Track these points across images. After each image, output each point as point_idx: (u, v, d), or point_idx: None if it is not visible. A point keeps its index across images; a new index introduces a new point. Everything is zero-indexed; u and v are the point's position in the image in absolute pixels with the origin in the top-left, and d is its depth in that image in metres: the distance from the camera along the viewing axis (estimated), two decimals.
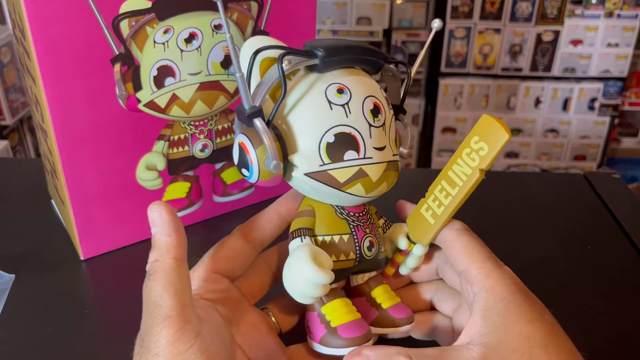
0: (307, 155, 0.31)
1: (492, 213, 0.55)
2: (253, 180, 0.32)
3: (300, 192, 0.34)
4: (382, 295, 0.35)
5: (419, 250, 0.35)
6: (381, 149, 0.33)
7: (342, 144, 0.31)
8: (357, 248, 0.33)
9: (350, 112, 0.31)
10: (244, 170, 0.32)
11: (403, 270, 0.37)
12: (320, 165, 0.31)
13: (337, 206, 0.34)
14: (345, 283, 0.36)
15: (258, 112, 0.31)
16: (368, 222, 0.35)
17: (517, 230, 0.53)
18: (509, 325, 0.29)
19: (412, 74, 0.36)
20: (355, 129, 0.31)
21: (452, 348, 0.29)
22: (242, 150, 0.32)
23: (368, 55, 0.34)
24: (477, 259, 0.32)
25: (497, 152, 0.31)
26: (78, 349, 0.39)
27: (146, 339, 0.27)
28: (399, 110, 0.37)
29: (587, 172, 0.61)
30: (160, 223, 0.30)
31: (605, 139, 2.05)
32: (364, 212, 0.35)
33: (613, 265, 0.48)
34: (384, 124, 0.33)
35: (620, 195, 0.57)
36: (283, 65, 0.30)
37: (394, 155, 0.34)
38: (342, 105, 0.31)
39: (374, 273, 0.36)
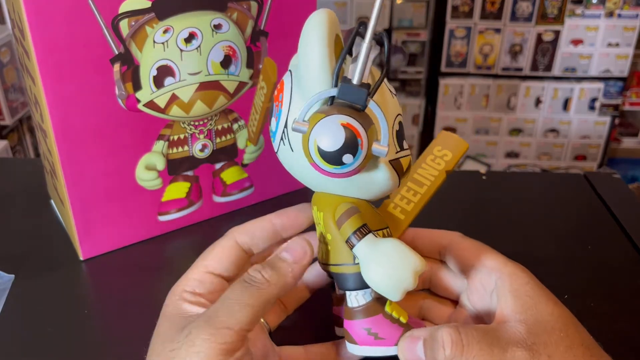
0: (388, 143, 0.29)
1: (492, 213, 0.55)
2: (351, 168, 0.28)
3: (339, 190, 0.31)
4: (396, 309, 0.32)
5: None
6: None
7: (402, 132, 0.32)
8: None
9: (397, 103, 0.32)
10: (347, 157, 0.27)
11: None
12: (396, 152, 0.31)
13: (368, 201, 0.32)
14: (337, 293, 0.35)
15: (369, 89, 0.28)
16: None
17: (517, 230, 0.53)
18: (540, 305, 0.30)
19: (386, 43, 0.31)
20: (402, 118, 0.32)
21: (495, 326, 0.30)
22: (352, 132, 0.27)
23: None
24: (489, 253, 0.33)
25: (459, 157, 0.37)
26: (78, 349, 0.39)
27: (194, 332, 0.27)
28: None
29: (587, 172, 0.61)
30: (297, 260, 0.31)
31: (606, 139, 2.05)
32: None
33: (613, 265, 0.48)
34: None
35: (621, 195, 0.57)
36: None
37: None
38: (394, 95, 0.32)
39: None
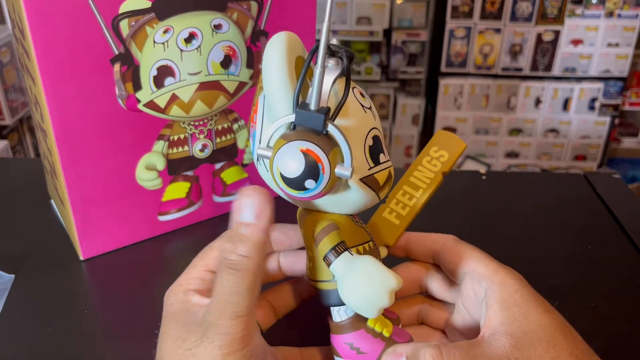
0: (358, 160, 0.29)
1: (492, 213, 0.55)
2: (316, 192, 0.28)
3: (319, 207, 0.31)
4: (380, 322, 0.32)
5: (383, 252, 0.35)
6: None
7: (378, 146, 0.31)
8: (378, 255, 0.33)
9: (374, 115, 0.31)
10: (309, 182, 0.27)
11: None
12: (369, 169, 0.30)
13: (351, 215, 0.32)
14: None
15: (328, 113, 0.27)
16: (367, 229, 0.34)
17: (517, 230, 0.53)
18: (528, 315, 0.29)
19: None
20: (380, 132, 0.31)
21: (479, 340, 0.30)
22: (311, 158, 0.27)
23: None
24: (481, 259, 0.33)
25: (456, 158, 0.36)
26: (78, 349, 0.39)
27: (210, 330, 0.27)
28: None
29: (587, 172, 0.61)
30: (257, 215, 0.29)
31: (606, 139, 2.06)
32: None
33: (613, 265, 0.48)
34: None
35: (621, 195, 0.57)
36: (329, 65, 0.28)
37: None
38: (369, 108, 0.31)
39: None
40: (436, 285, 0.36)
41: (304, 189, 0.28)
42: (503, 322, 0.29)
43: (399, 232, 0.35)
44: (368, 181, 0.30)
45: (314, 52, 0.27)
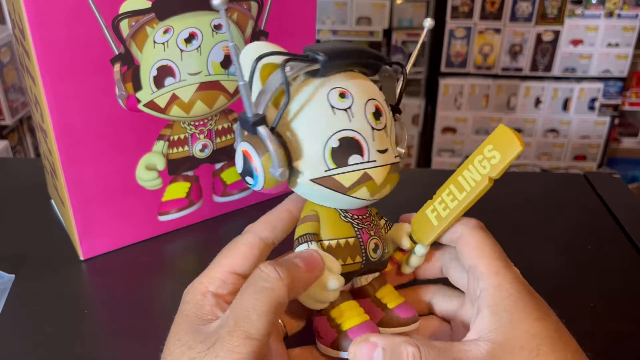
0: (313, 161, 0.31)
1: (491, 213, 0.55)
2: (258, 188, 0.31)
3: (304, 197, 0.34)
4: (387, 295, 0.35)
5: (420, 250, 0.36)
6: (384, 151, 0.33)
7: (346, 148, 0.31)
8: (363, 251, 0.33)
9: (353, 116, 0.32)
10: (248, 179, 0.32)
11: (405, 269, 0.37)
12: (325, 171, 0.31)
13: (340, 210, 0.34)
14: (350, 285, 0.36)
15: (262, 120, 0.30)
16: (372, 224, 0.35)
17: (517, 230, 0.53)
18: (517, 322, 0.29)
19: (406, 73, 0.36)
20: (359, 133, 0.31)
21: (460, 342, 0.29)
22: (246, 158, 0.31)
23: (369, 58, 0.34)
24: (487, 256, 0.32)
25: (508, 162, 0.31)
26: (78, 349, 0.39)
27: (219, 344, 0.27)
28: (395, 110, 0.37)
29: (587, 172, 0.61)
30: (311, 270, 0.31)
31: (606, 139, 2.05)
32: (367, 215, 0.35)
33: (613, 265, 0.48)
34: (385, 126, 0.33)
35: (621, 195, 0.57)
36: (286, 71, 0.30)
37: (395, 157, 0.34)
38: (345, 110, 0.31)
39: (377, 274, 0.36)
40: (453, 271, 0.36)
41: (249, 183, 0.32)
42: (489, 328, 0.29)
43: (435, 234, 0.34)
44: (324, 182, 0.31)
45: (255, 63, 0.31)
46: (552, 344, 0.28)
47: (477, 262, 0.32)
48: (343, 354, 0.32)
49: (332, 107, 0.31)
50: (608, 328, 0.41)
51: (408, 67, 0.37)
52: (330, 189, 0.32)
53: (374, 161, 0.32)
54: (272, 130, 0.31)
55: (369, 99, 0.32)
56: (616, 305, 0.43)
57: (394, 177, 0.34)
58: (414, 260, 0.36)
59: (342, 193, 0.32)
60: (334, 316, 0.33)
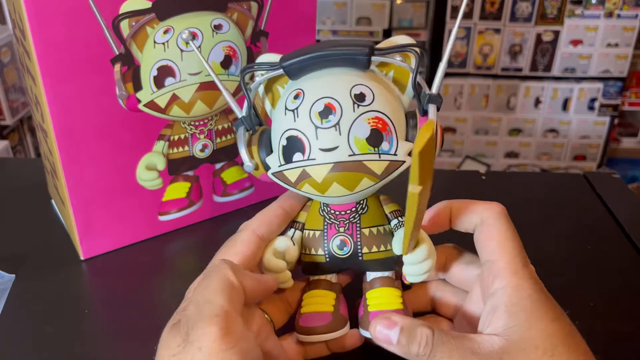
0: (274, 157, 0.35)
1: None
2: (249, 172, 0.36)
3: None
4: (374, 298, 0.35)
5: (405, 259, 0.34)
6: (330, 149, 0.32)
7: (291, 146, 0.33)
8: (325, 245, 0.36)
9: (297, 116, 0.33)
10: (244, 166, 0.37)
11: (404, 280, 0.35)
12: (279, 166, 0.34)
13: (323, 203, 0.36)
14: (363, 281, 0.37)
15: (240, 122, 0.36)
16: (348, 221, 0.35)
17: (517, 230, 0.53)
18: (533, 321, 0.29)
19: (419, 59, 0.35)
20: (301, 132, 0.33)
21: (476, 335, 0.30)
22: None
23: (328, 57, 0.34)
24: (508, 252, 0.32)
25: (415, 166, 0.31)
26: (78, 349, 0.39)
27: (192, 332, 0.27)
28: (426, 100, 0.35)
29: (587, 172, 0.61)
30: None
31: (605, 139, 2.05)
32: (349, 211, 0.35)
33: (613, 265, 0.48)
34: (337, 124, 0.32)
35: (620, 195, 0.57)
36: (257, 78, 0.35)
37: (354, 155, 0.32)
38: (292, 110, 0.34)
39: (386, 273, 0.36)
40: (456, 268, 0.36)
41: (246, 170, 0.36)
42: (505, 326, 0.30)
43: (406, 242, 0.33)
44: (279, 176, 0.34)
45: (243, 74, 0.36)
46: (566, 344, 0.29)
47: (496, 258, 0.32)
48: (298, 336, 0.35)
49: (285, 108, 0.34)
50: (608, 328, 0.41)
51: (454, 30, 0.37)
52: (284, 183, 0.34)
53: (313, 159, 0.33)
54: (260, 126, 0.36)
55: (321, 98, 0.33)
56: (616, 305, 0.43)
57: (347, 176, 0.32)
58: (405, 269, 0.34)
59: (294, 187, 0.34)
60: (303, 299, 0.36)
